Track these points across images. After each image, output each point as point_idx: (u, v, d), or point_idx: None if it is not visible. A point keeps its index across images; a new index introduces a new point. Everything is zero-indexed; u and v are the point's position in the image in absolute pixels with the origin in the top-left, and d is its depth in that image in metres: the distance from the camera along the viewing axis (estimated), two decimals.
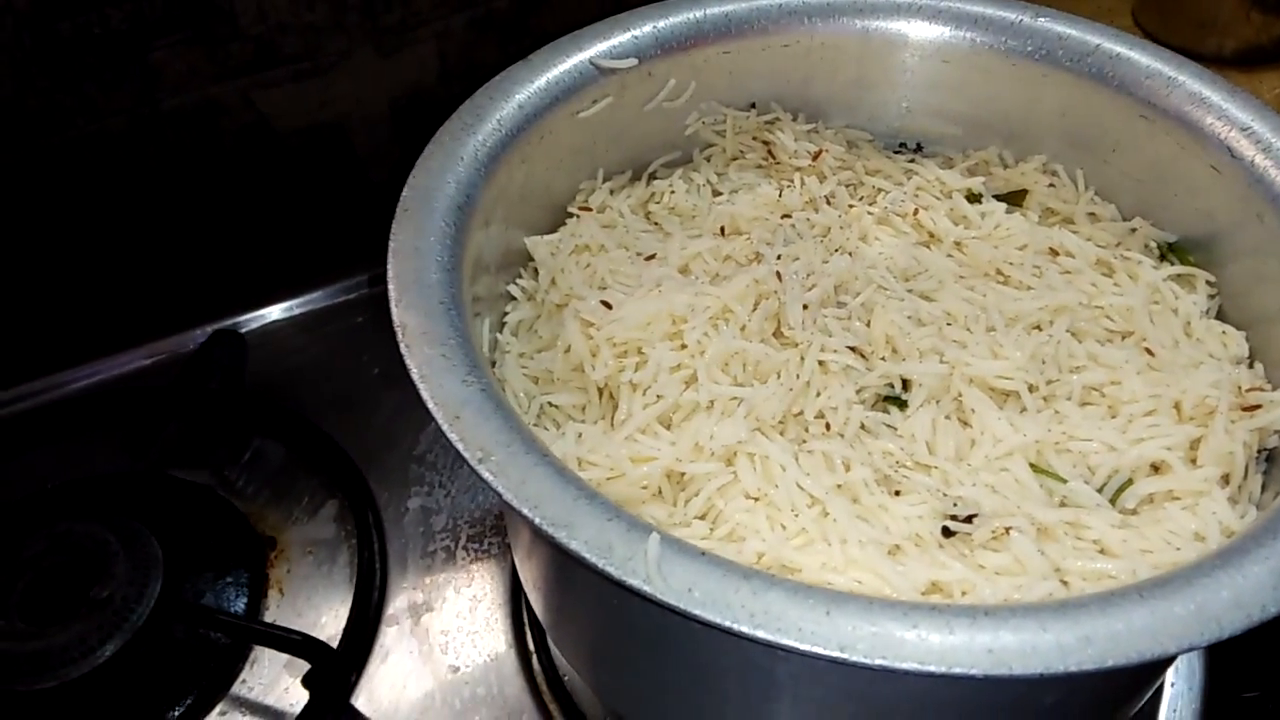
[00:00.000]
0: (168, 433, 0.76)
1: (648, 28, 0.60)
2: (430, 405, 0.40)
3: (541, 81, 0.57)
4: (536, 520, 0.37)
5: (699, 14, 0.61)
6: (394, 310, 0.44)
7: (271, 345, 0.84)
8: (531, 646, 0.65)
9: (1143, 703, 0.54)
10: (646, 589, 0.35)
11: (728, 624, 0.34)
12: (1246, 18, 1.13)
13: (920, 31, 0.62)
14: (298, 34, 0.85)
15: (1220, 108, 0.54)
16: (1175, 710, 0.60)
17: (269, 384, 0.80)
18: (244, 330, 0.85)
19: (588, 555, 0.36)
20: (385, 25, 0.89)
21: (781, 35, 0.62)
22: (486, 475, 0.38)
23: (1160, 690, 0.60)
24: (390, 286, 0.45)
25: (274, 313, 0.86)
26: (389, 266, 0.45)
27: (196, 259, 0.90)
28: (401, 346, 0.42)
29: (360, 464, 0.74)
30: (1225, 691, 0.65)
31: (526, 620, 0.66)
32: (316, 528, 0.72)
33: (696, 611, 0.34)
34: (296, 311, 0.86)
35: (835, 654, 0.33)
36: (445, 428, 0.39)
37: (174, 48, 0.81)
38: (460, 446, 0.39)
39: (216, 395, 0.77)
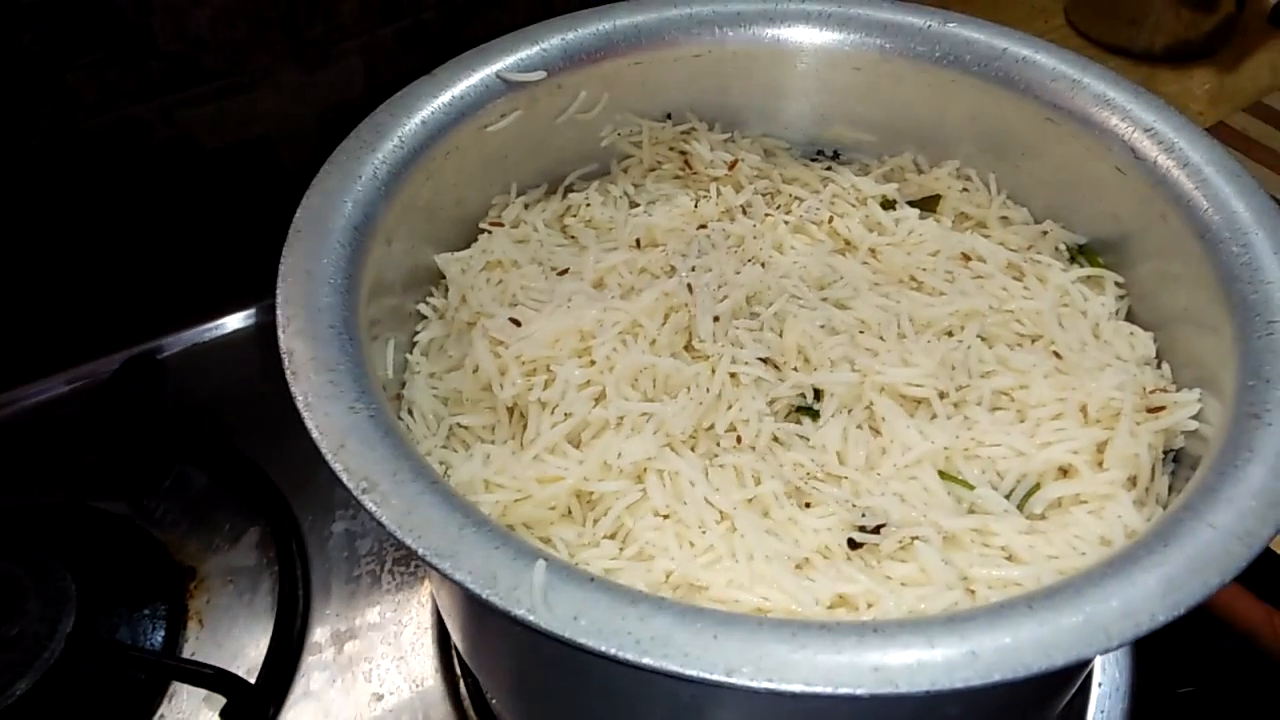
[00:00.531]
0: (83, 462, 0.74)
1: (555, 40, 0.59)
2: (314, 434, 0.39)
3: (446, 97, 0.56)
4: (420, 550, 0.36)
5: (608, 25, 0.60)
6: (280, 336, 0.42)
7: (193, 368, 0.82)
8: (459, 671, 0.64)
9: (1063, 705, 0.54)
10: (531, 618, 0.34)
11: (613, 651, 0.33)
12: (1176, 14, 1.15)
13: (830, 39, 0.62)
14: (218, 50, 0.84)
15: (1124, 108, 0.55)
16: (1103, 711, 0.60)
17: (191, 408, 0.78)
18: (166, 353, 0.83)
19: (471, 585, 0.35)
20: (309, 39, 0.88)
21: (692, 45, 0.62)
22: (369, 505, 0.37)
23: (1086, 691, 0.61)
24: (278, 311, 0.43)
25: (196, 335, 0.84)
26: (278, 290, 0.44)
27: (118, 280, 0.88)
28: (288, 374, 0.41)
29: (283, 489, 0.72)
30: (1157, 688, 0.65)
31: (454, 645, 0.65)
32: (238, 556, 0.70)
33: (582, 640, 0.33)
34: (220, 334, 0.84)
35: (721, 678, 0.32)
36: (329, 457, 0.38)
37: (90, 68, 0.79)
38: (344, 477, 0.38)
39: (134, 422, 0.75)
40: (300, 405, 0.40)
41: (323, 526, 0.71)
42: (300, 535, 0.70)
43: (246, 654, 0.65)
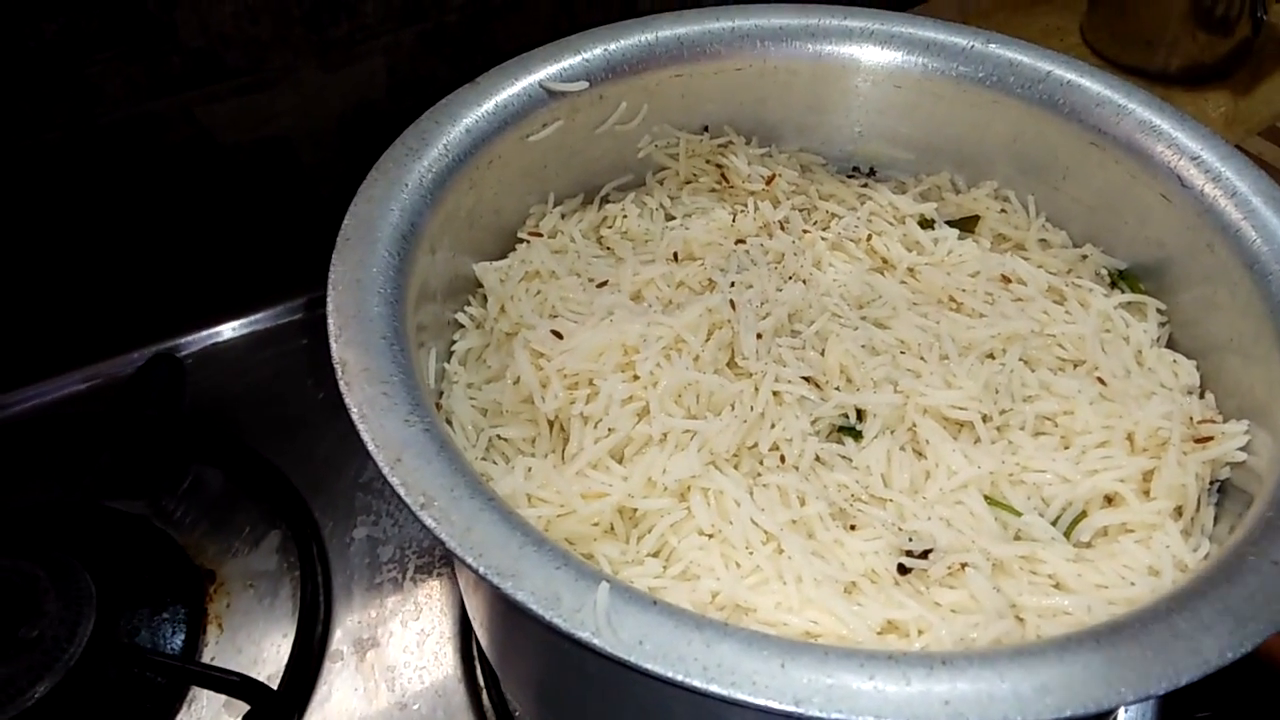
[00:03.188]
0: (102, 461, 0.73)
1: (598, 50, 0.59)
2: (371, 448, 0.38)
3: (489, 105, 0.56)
4: (481, 570, 0.35)
5: (650, 37, 0.60)
6: (333, 346, 0.42)
7: (213, 368, 0.81)
8: (482, 682, 0.63)
9: None
10: (596, 642, 0.34)
11: (681, 678, 0.33)
12: (1192, 37, 1.15)
13: (872, 56, 0.62)
14: (241, 47, 0.83)
15: (1170, 136, 0.55)
16: None
17: (209, 409, 0.77)
18: (185, 352, 0.82)
19: (534, 607, 0.34)
20: (332, 38, 0.87)
21: (734, 59, 0.61)
22: (429, 522, 0.36)
23: (1112, 715, 0.60)
24: (330, 321, 0.43)
25: (215, 334, 0.83)
26: (329, 300, 0.44)
27: (137, 278, 0.87)
28: (341, 385, 0.41)
29: (304, 492, 0.72)
30: (1178, 712, 0.65)
31: (476, 654, 0.64)
32: (258, 560, 0.70)
33: (649, 665, 0.33)
34: (239, 333, 0.84)
35: (791, 708, 0.32)
36: (387, 471, 0.38)
37: (111, 62, 0.78)
38: (402, 492, 0.37)
39: (153, 421, 0.74)
40: (355, 417, 0.39)
41: (344, 532, 0.71)
42: (321, 540, 0.70)
43: (266, 660, 0.65)
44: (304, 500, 0.71)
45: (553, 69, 0.58)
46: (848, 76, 0.63)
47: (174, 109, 0.83)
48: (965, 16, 1.17)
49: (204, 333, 0.83)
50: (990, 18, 1.18)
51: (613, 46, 0.59)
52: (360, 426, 0.39)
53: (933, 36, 0.61)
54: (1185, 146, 0.54)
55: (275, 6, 0.83)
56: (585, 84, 0.59)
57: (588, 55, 0.59)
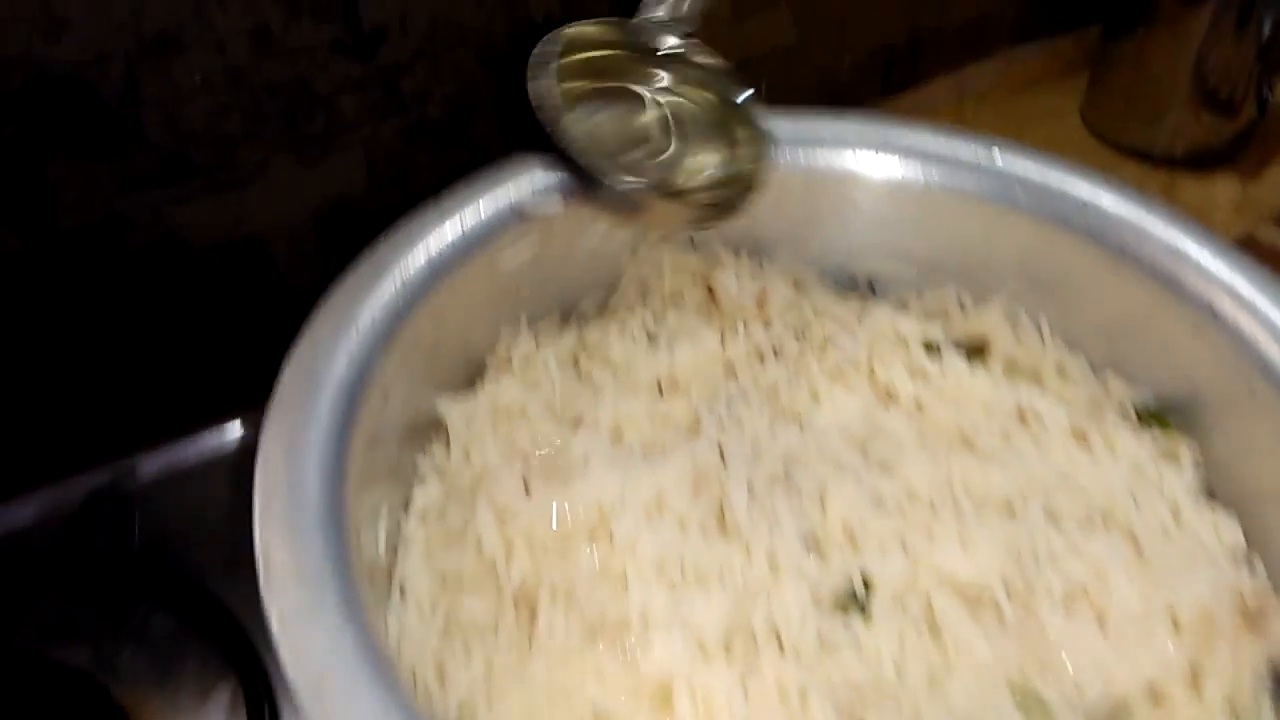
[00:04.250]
0: (44, 603, 0.67)
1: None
2: (289, 674, 0.33)
3: (455, 229, 0.51)
4: None
5: None
6: (256, 534, 0.36)
7: (169, 494, 0.75)
8: None
9: None
10: None
11: None
12: (1196, 118, 1.11)
13: (868, 168, 0.57)
14: (211, 145, 0.79)
15: (1197, 261, 0.50)
16: None
17: (161, 542, 0.71)
18: (141, 476, 0.76)
19: None
20: (307, 135, 0.83)
21: None
22: None
23: None
24: (255, 504, 0.37)
25: (171, 455, 0.78)
26: (256, 477, 0.38)
27: (93, 394, 0.82)
28: (261, 585, 0.35)
29: (259, 641, 0.65)
30: None
31: None
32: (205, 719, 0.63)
33: None
34: (197, 454, 0.78)
35: None
36: (306, 703, 0.32)
37: (73, 161, 0.74)
38: None
39: (100, 558, 0.68)
40: (274, 627, 0.34)
41: None
42: (274, 698, 0.63)
43: None
44: (257, 652, 0.65)
45: (525, 184, 0.54)
46: (842, 187, 0.58)
47: (140, 209, 0.79)
48: (962, 96, 1.13)
49: (160, 453, 0.78)
50: (987, 99, 1.14)
51: None
52: (279, 640, 0.33)
53: (934, 148, 0.57)
54: (1216, 273, 0.49)
55: (247, 103, 0.79)
56: (560, 204, 0.54)
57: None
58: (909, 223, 0.59)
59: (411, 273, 0.49)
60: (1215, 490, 0.50)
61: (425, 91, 0.77)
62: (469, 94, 0.84)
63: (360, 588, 0.37)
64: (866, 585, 0.45)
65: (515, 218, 0.53)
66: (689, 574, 0.44)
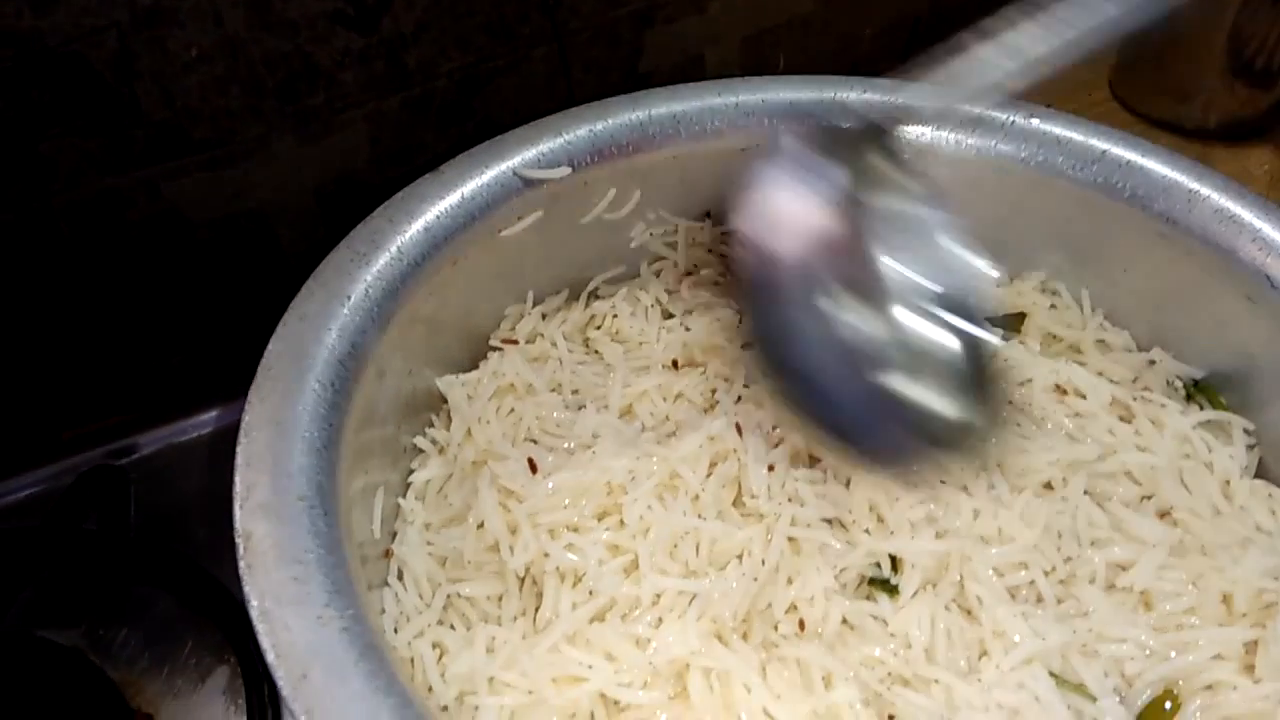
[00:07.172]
0: (37, 583, 0.65)
1: (583, 131, 0.52)
2: (270, 660, 0.30)
3: (455, 197, 0.49)
4: None
5: (642, 115, 0.52)
6: (236, 513, 0.34)
7: (168, 472, 0.73)
8: None
9: None
10: None
11: None
12: (1231, 90, 1.07)
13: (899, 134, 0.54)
14: (209, 120, 0.76)
15: (1254, 228, 0.46)
16: None
17: (159, 521, 0.69)
18: (139, 453, 0.74)
19: None
20: (308, 108, 0.80)
21: (738, 137, 0.54)
22: None
23: None
24: (236, 479, 0.35)
25: (171, 434, 0.75)
26: (238, 451, 0.36)
27: (90, 371, 0.80)
28: (241, 567, 0.32)
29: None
30: None
31: None
32: (201, 701, 0.61)
33: None
34: (196, 433, 0.76)
35: None
36: (288, 694, 0.29)
37: (67, 137, 0.72)
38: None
39: (95, 537, 0.66)
40: (255, 615, 0.31)
41: None
42: (274, 681, 0.61)
43: None
44: (256, 632, 0.62)
45: (529, 153, 0.51)
46: None
47: (137, 185, 0.76)
48: None
49: (159, 432, 0.75)
50: None
51: (599, 126, 0.52)
52: (259, 628, 0.31)
53: (966, 110, 0.53)
54: (1272, 239, 0.46)
55: (245, 76, 0.76)
56: (567, 170, 0.51)
57: (570, 137, 0.52)
58: (940, 188, 0.55)
59: (408, 244, 0.47)
60: (1270, 472, 0.47)
61: (430, 64, 0.74)
62: (475, 66, 0.81)
63: (352, 570, 0.34)
64: (895, 566, 0.42)
65: (519, 184, 0.50)
66: (704, 556, 0.41)
